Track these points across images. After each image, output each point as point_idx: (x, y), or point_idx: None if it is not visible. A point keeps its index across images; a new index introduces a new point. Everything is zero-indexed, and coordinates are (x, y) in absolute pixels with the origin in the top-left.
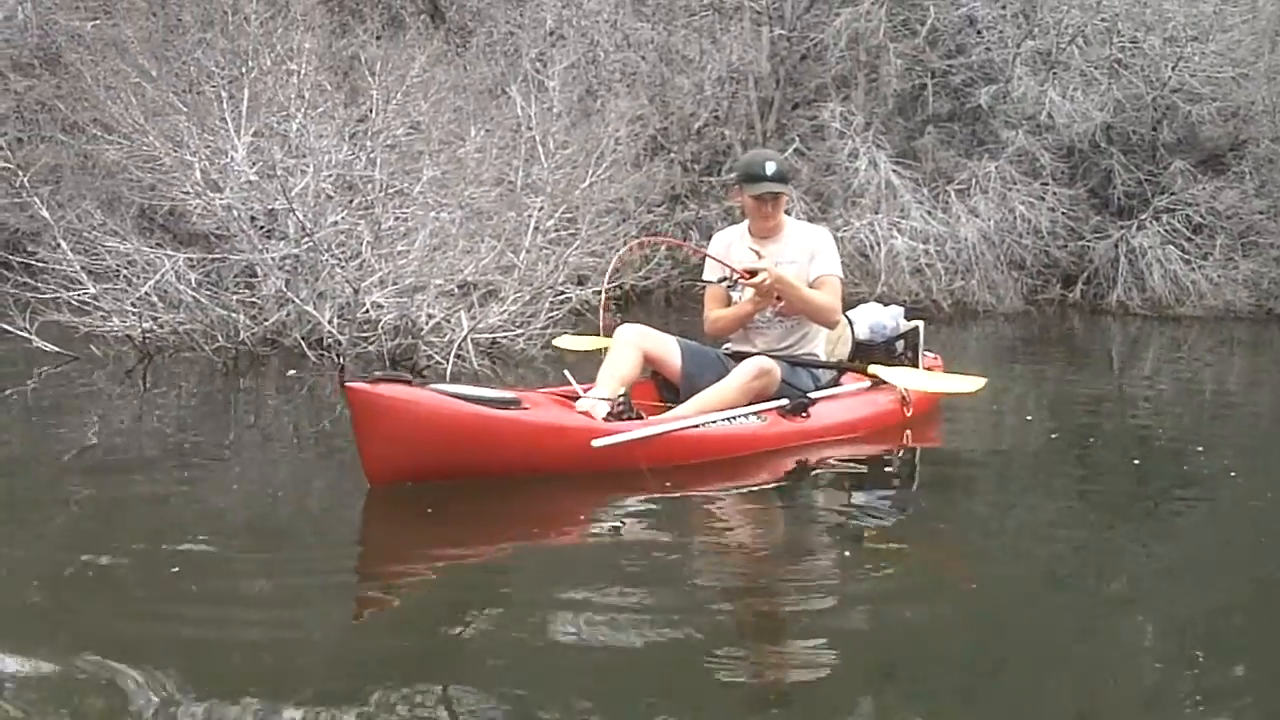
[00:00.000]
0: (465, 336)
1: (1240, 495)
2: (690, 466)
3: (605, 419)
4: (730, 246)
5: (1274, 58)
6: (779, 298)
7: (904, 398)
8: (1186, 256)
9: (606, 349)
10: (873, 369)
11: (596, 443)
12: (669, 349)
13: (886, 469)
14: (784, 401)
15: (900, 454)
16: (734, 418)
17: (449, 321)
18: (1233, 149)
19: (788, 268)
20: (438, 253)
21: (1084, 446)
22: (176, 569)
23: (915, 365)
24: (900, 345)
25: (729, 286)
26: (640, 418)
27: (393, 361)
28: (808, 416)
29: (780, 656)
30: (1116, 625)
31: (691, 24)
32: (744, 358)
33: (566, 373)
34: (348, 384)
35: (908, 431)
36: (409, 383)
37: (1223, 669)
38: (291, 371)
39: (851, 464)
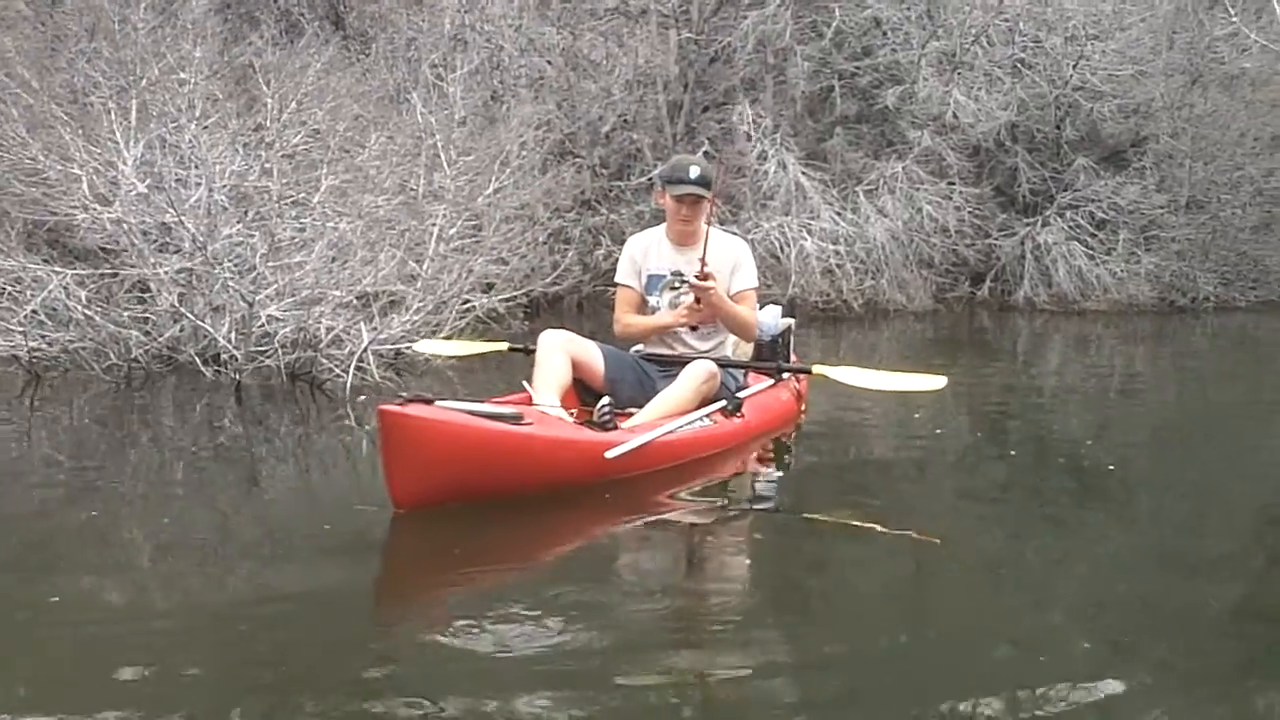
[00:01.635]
0: (365, 348)
1: (1145, 482)
2: (630, 479)
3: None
4: (648, 250)
5: (1172, 55)
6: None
7: (799, 393)
8: (1090, 252)
9: (485, 353)
10: (820, 369)
11: (610, 454)
12: (593, 354)
13: (811, 461)
14: (724, 403)
15: (815, 447)
16: (693, 421)
17: (349, 333)
18: (1134, 145)
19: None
20: (336, 263)
21: (993, 438)
22: (57, 599)
23: (788, 360)
24: (779, 342)
25: (674, 287)
26: (617, 426)
27: (291, 376)
28: (743, 416)
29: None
30: (1019, 608)
31: (597, 28)
32: (663, 361)
33: (526, 383)
34: (381, 407)
35: (801, 424)
36: (430, 402)
37: (1129, 652)
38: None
39: (787, 459)
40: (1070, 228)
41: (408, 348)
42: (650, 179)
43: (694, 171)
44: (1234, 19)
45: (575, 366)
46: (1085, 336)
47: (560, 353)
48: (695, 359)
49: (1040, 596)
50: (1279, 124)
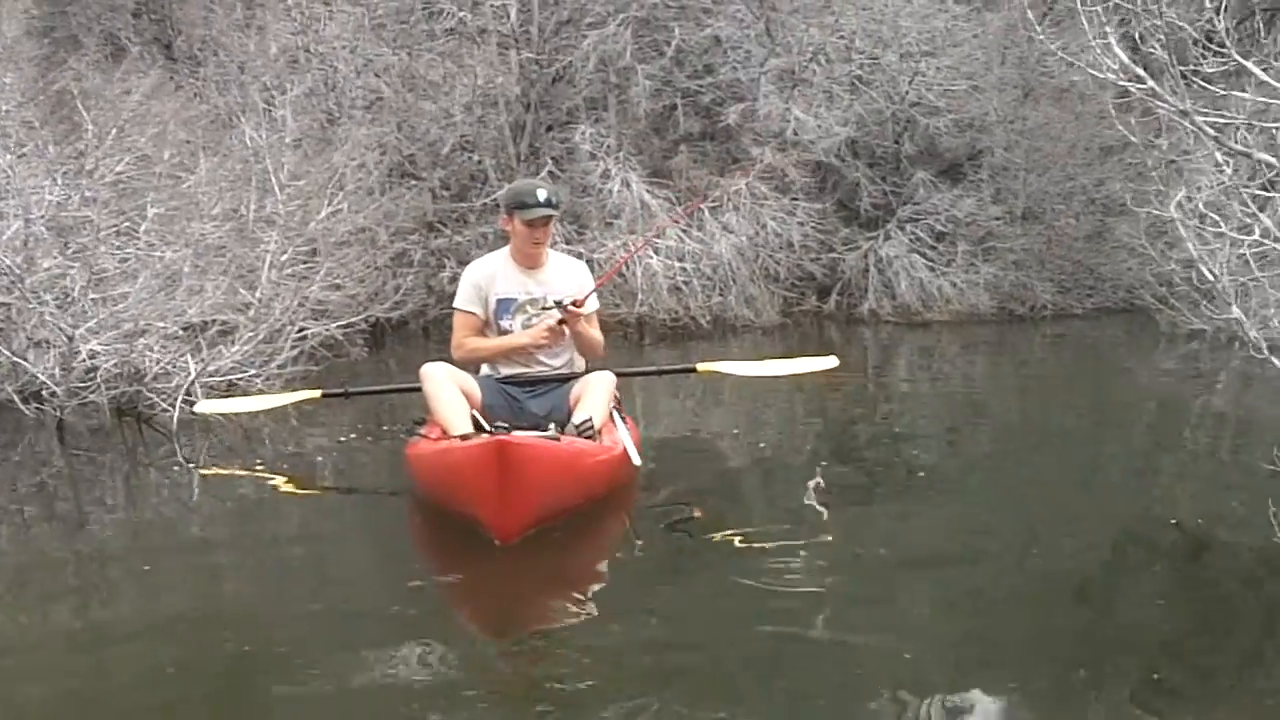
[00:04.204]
0: (193, 381)
1: (988, 483)
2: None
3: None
4: (495, 275)
5: (1004, 70)
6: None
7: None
8: (931, 264)
9: (265, 409)
10: (705, 366)
11: (638, 461)
12: (470, 383)
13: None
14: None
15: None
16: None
17: (176, 366)
18: (970, 158)
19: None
20: (163, 293)
21: (844, 444)
22: None
23: None
24: None
25: (546, 306)
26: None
27: (117, 411)
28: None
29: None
30: (866, 613)
31: (435, 48)
32: (525, 382)
33: (420, 419)
34: (501, 440)
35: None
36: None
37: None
38: None
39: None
40: (911, 240)
41: (240, 378)
42: (495, 200)
43: (542, 194)
44: (1047, 42)
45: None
46: (929, 347)
47: (450, 384)
48: (554, 377)
49: (877, 607)
50: (1107, 135)
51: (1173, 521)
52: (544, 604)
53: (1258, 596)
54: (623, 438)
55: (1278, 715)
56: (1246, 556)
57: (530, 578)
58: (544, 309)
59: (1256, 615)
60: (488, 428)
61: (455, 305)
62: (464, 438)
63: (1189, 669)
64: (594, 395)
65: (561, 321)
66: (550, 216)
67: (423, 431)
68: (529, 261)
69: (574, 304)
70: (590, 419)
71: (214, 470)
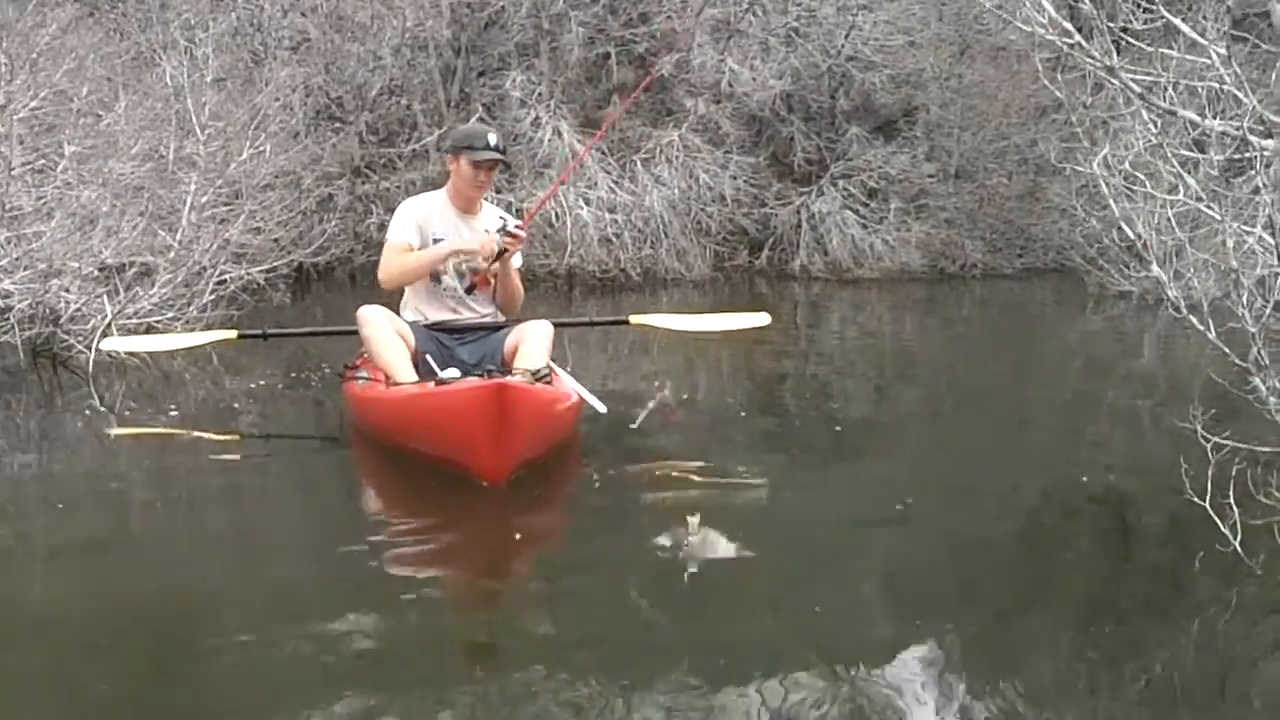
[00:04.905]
0: (109, 323)
1: (912, 439)
2: None
3: None
4: (431, 215)
5: (941, 26)
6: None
7: None
8: (863, 220)
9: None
10: (638, 319)
11: (602, 409)
12: (405, 329)
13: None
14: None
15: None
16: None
17: (91, 307)
18: (905, 115)
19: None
20: (79, 234)
21: (771, 398)
22: None
23: None
24: None
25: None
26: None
27: (33, 352)
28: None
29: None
30: (789, 568)
31: None
32: (453, 329)
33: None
34: (501, 383)
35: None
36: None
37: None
38: None
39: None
40: (844, 196)
41: (158, 321)
42: (423, 146)
43: (492, 138)
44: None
45: None
46: (859, 303)
47: (389, 328)
48: (481, 325)
49: (800, 561)
50: (1042, 95)
51: (1084, 480)
52: (479, 561)
53: (1173, 549)
54: (576, 386)
55: (1190, 654)
56: (1162, 513)
57: (466, 533)
58: (486, 233)
59: (1171, 567)
60: (440, 374)
61: (390, 236)
62: (440, 383)
63: (1112, 618)
64: (536, 344)
65: (502, 252)
66: (497, 161)
67: (365, 375)
68: (467, 206)
69: (517, 228)
70: (546, 366)
71: (130, 415)
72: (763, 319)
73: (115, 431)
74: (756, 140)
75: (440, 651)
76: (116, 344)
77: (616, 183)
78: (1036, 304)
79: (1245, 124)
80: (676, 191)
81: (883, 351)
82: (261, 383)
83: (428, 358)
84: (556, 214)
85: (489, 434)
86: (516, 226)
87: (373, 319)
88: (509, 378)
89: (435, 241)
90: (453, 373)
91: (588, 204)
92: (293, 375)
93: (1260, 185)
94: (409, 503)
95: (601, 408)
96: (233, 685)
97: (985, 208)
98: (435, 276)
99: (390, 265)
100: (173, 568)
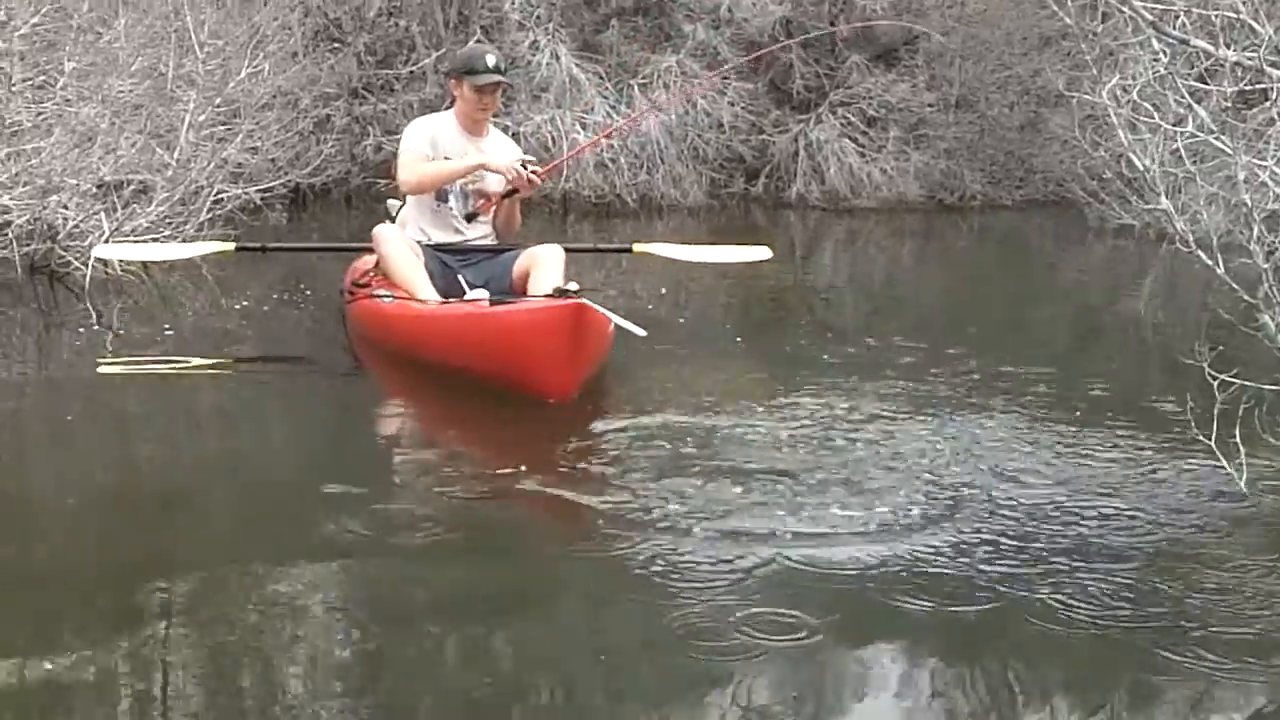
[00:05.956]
0: (107, 239)
1: (903, 372)
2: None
3: None
4: (439, 134)
5: None
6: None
7: None
8: (861, 149)
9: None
10: (641, 247)
11: (642, 332)
12: (416, 249)
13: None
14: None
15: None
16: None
17: (89, 224)
18: (906, 43)
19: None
20: (78, 150)
21: (770, 325)
22: None
23: None
24: None
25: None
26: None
27: (31, 269)
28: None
29: None
30: (800, 494)
31: None
32: (456, 250)
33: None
34: (579, 302)
35: None
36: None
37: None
38: None
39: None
40: (842, 125)
41: (155, 239)
42: (420, 68)
43: (491, 60)
44: None
45: None
46: (855, 233)
47: (406, 248)
48: (484, 248)
49: (787, 496)
50: (1047, 25)
51: (1079, 414)
52: (476, 502)
53: (1176, 488)
54: (606, 312)
55: (1196, 596)
56: (1166, 450)
57: (521, 453)
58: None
59: (1175, 506)
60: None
61: (408, 145)
62: (496, 301)
63: (1111, 558)
64: (552, 267)
65: (512, 191)
66: (499, 84)
67: (387, 293)
68: (475, 129)
69: (534, 174)
70: (577, 287)
71: (125, 335)
72: (764, 253)
73: (104, 369)
74: (755, 66)
75: (462, 599)
76: (112, 251)
77: (613, 107)
78: (1035, 236)
79: (1262, 54)
80: (673, 117)
81: (877, 281)
82: (258, 302)
83: (435, 277)
84: (553, 138)
85: (566, 353)
86: (534, 172)
87: (390, 238)
88: (567, 299)
89: (445, 160)
90: (481, 293)
91: (584, 128)
92: (290, 294)
93: (1275, 117)
94: (442, 426)
95: (641, 332)
96: (225, 614)
97: (985, 138)
98: (442, 195)
99: (415, 169)
100: (168, 482)
